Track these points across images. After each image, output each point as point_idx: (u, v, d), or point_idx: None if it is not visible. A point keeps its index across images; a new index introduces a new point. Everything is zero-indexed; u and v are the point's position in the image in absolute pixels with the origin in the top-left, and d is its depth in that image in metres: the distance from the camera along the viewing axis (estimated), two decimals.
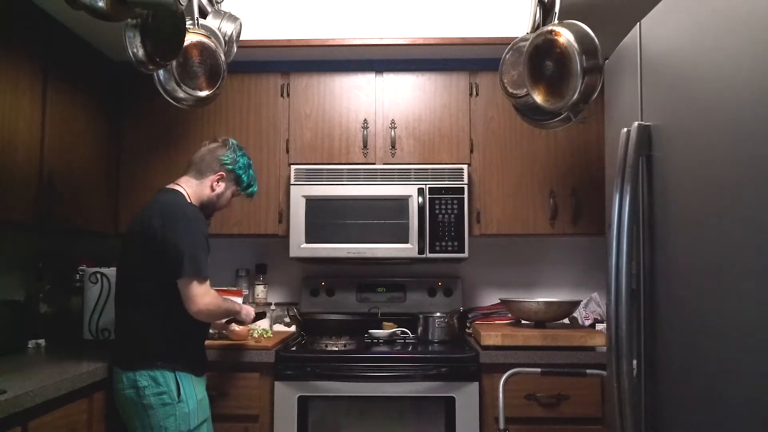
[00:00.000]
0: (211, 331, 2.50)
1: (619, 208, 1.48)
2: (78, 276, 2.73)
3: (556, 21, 2.17)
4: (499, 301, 2.89)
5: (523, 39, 2.35)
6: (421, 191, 2.79)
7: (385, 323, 2.91)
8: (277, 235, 2.89)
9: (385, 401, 2.45)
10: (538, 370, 2.26)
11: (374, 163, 2.87)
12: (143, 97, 2.82)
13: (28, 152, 2.25)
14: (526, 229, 2.86)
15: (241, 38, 2.46)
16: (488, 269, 3.18)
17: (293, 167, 2.84)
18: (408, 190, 2.80)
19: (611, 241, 1.48)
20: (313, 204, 2.80)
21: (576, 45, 2.01)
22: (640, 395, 1.51)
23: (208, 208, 2.23)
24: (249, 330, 2.60)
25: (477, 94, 2.90)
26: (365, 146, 2.88)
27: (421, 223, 2.77)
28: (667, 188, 1.40)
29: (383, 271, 3.15)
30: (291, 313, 2.90)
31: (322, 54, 2.87)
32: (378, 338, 2.76)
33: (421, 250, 2.77)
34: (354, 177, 2.83)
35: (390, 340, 2.77)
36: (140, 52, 1.90)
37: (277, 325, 3.05)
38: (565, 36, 2.04)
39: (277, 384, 2.45)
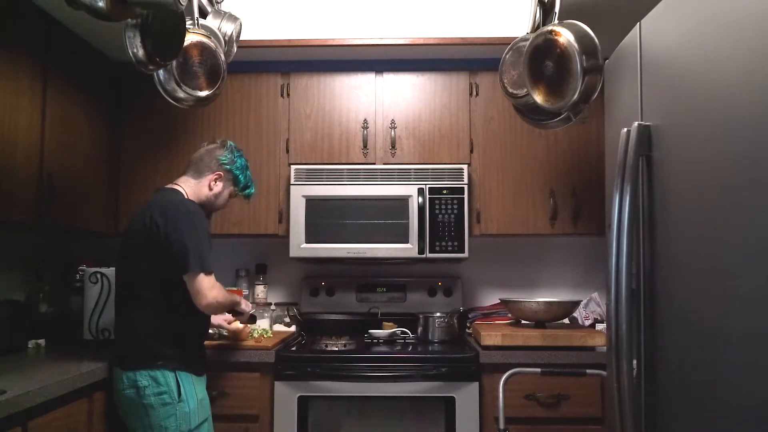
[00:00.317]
0: (210, 330, 2.51)
1: (619, 208, 1.48)
2: (78, 276, 2.73)
3: (556, 21, 2.17)
4: (499, 301, 2.89)
5: (523, 39, 2.35)
6: (421, 191, 2.79)
7: (385, 323, 2.91)
8: (277, 235, 2.89)
9: (385, 401, 2.45)
10: (538, 370, 2.27)
11: (374, 163, 2.87)
12: (143, 97, 2.82)
13: (28, 152, 2.25)
14: (526, 229, 2.86)
15: (241, 38, 2.46)
16: (488, 269, 3.18)
17: (293, 167, 2.84)
18: (408, 190, 2.80)
19: (611, 241, 1.48)
20: (313, 204, 2.80)
21: (576, 45, 2.01)
22: (640, 395, 1.51)
23: (206, 207, 2.23)
24: (249, 330, 2.60)
25: (477, 94, 2.90)
26: (365, 146, 2.88)
27: (421, 223, 2.77)
28: (667, 188, 1.40)
29: (383, 271, 3.15)
30: (291, 313, 2.90)
31: (322, 54, 2.87)
32: (378, 338, 2.76)
33: (421, 250, 2.77)
34: (354, 177, 2.83)
35: (390, 340, 2.77)
36: (140, 52, 1.90)
37: (277, 325, 3.05)
38: (565, 36, 2.04)
39: (277, 384, 2.45)
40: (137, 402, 2.00)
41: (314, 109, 2.91)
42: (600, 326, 2.75)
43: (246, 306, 2.38)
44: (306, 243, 2.79)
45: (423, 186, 2.80)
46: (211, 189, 2.24)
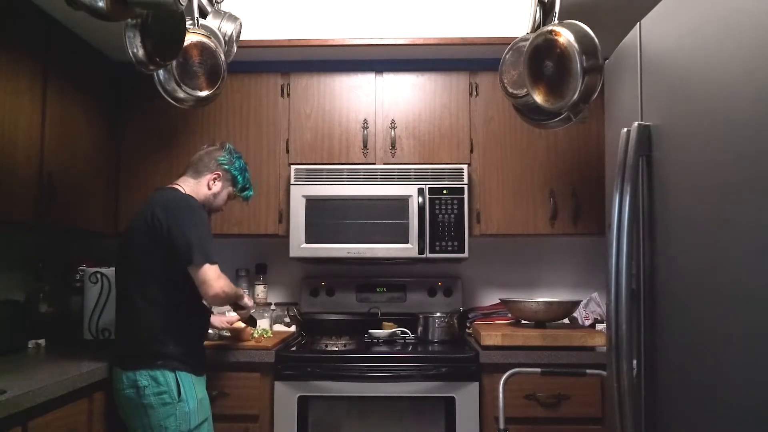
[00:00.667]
0: (210, 331, 2.51)
1: (619, 208, 1.48)
2: (78, 276, 2.73)
3: (556, 21, 2.17)
4: (499, 301, 2.89)
5: (523, 39, 2.35)
6: (421, 191, 2.79)
7: (385, 323, 2.91)
8: (277, 235, 2.89)
9: (385, 401, 2.45)
10: (538, 370, 2.26)
11: (374, 163, 2.87)
12: (143, 97, 2.82)
13: (28, 152, 2.25)
14: (526, 229, 2.86)
15: (241, 38, 2.46)
16: (488, 269, 3.18)
17: (293, 167, 2.84)
18: (408, 190, 2.80)
19: (611, 241, 1.48)
20: (313, 204, 2.80)
21: (576, 45, 2.01)
22: (640, 395, 1.51)
23: (204, 208, 2.23)
24: (251, 331, 2.60)
25: (477, 94, 2.90)
26: (365, 146, 2.88)
27: (421, 223, 2.77)
28: (667, 188, 1.40)
29: (383, 271, 3.15)
30: (291, 313, 2.90)
31: (322, 54, 2.87)
32: (378, 338, 2.76)
33: (421, 250, 2.77)
34: (354, 177, 2.83)
35: (390, 340, 2.77)
36: (140, 52, 1.90)
37: (277, 325, 3.05)
38: (565, 36, 2.04)
39: (277, 384, 2.45)
40: (137, 402, 2.00)
41: (314, 109, 2.91)
42: (600, 326, 2.75)
43: (248, 301, 2.38)
44: (306, 243, 2.79)
45: (423, 186, 2.80)
46: (209, 188, 2.25)
